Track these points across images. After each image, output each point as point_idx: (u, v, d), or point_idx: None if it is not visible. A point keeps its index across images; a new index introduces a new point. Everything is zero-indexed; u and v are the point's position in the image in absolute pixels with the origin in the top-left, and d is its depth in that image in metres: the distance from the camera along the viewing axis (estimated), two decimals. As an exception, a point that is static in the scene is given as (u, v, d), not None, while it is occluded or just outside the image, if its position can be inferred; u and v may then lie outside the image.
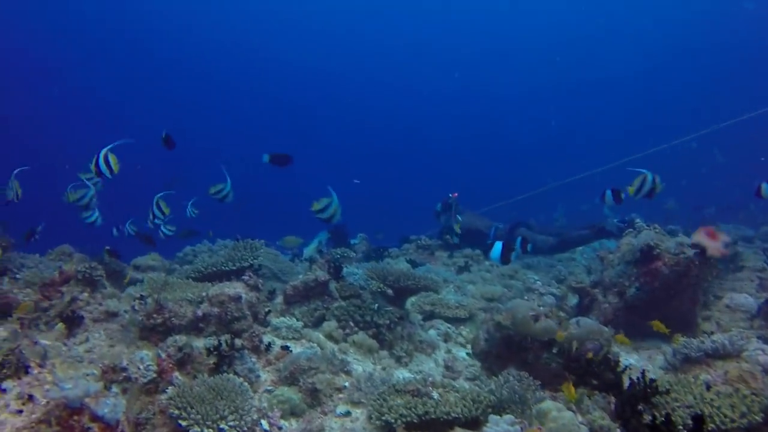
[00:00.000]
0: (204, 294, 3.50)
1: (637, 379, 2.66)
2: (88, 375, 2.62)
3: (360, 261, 6.54)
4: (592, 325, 3.39)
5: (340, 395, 2.97)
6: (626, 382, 2.74)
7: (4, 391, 2.35)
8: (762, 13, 22.38)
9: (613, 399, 2.78)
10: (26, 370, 2.52)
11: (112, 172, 3.47)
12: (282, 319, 3.74)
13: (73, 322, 3.28)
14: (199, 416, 2.30)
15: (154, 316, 3.17)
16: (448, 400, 2.66)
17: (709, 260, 4.01)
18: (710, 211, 9.44)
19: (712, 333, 3.68)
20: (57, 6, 22.64)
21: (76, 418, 2.15)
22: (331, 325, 3.76)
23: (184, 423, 2.28)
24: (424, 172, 26.69)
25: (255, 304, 3.57)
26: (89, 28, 24.18)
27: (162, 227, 4.83)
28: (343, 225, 7.25)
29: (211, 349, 2.87)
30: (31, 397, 2.33)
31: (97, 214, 4.41)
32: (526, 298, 5.07)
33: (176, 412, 2.32)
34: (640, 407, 2.53)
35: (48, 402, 2.26)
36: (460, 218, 6.91)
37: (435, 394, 2.78)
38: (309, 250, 4.50)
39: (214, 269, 3.94)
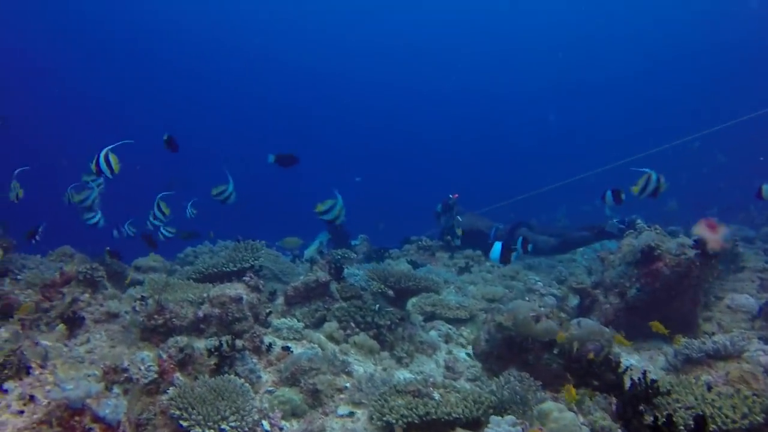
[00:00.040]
0: (205, 295, 3.50)
1: (639, 379, 2.65)
2: (89, 376, 2.62)
3: (361, 262, 6.54)
4: (593, 325, 3.38)
5: (341, 396, 2.97)
6: (627, 383, 2.74)
7: (5, 391, 2.36)
8: (764, 12, 22.38)
9: (614, 400, 2.78)
10: (27, 370, 2.52)
11: (113, 171, 3.47)
12: (283, 320, 3.74)
13: (74, 323, 3.28)
14: (201, 417, 2.30)
15: (155, 317, 3.17)
16: (449, 400, 2.66)
17: (709, 258, 4.01)
18: (712, 212, 9.44)
19: (713, 334, 3.68)
20: (57, 6, 22.66)
21: (77, 418, 2.15)
22: (332, 326, 3.76)
23: (185, 423, 2.28)
24: (425, 173, 26.72)
25: (256, 305, 3.57)
26: (89, 29, 24.21)
27: (162, 229, 4.83)
28: (344, 226, 7.24)
29: (212, 349, 2.87)
30: (32, 398, 2.33)
31: (99, 215, 4.42)
32: (527, 298, 5.06)
33: (177, 412, 2.32)
34: (641, 408, 2.53)
35: (49, 403, 2.26)
36: (460, 219, 6.91)
37: (436, 395, 2.78)
38: (310, 251, 4.50)
39: (215, 270, 3.94)
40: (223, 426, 2.29)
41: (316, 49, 28.83)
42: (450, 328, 4.35)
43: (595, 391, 2.88)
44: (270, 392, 2.85)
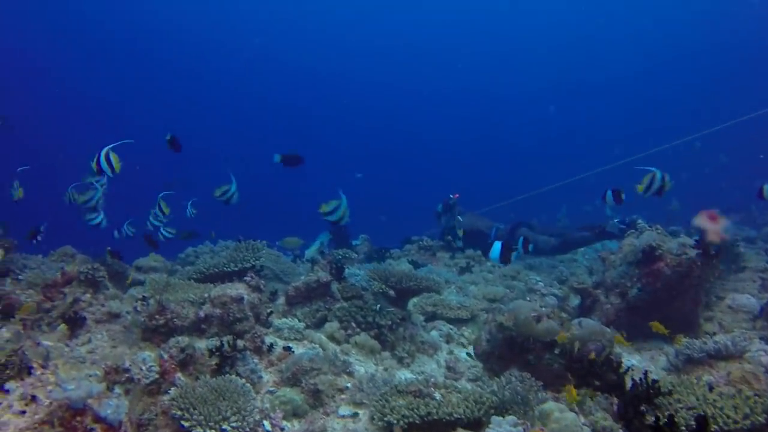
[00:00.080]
0: (206, 295, 3.50)
1: (640, 380, 2.65)
2: (90, 376, 2.62)
3: (362, 262, 6.54)
4: (594, 325, 3.38)
5: (343, 396, 2.97)
6: (629, 383, 2.74)
7: (7, 392, 2.36)
8: (764, 12, 22.36)
9: (615, 400, 2.78)
10: (29, 371, 2.53)
11: (114, 170, 3.47)
12: (284, 320, 3.74)
13: (75, 323, 3.28)
14: (202, 417, 2.30)
15: (157, 317, 3.17)
16: (451, 401, 2.66)
17: (711, 258, 4.00)
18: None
19: (714, 334, 3.68)
20: (57, 6, 22.67)
21: (78, 418, 2.15)
22: (333, 326, 3.75)
23: (186, 424, 2.28)
24: (425, 173, 26.72)
25: (257, 305, 3.57)
26: (89, 29, 24.22)
27: (161, 229, 4.83)
28: (346, 226, 7.24)
29: (214, 350, 2.87)
30: (34, 398, 2.33)
31: (102, 215, 4.42)
32: (528, 298, 5.06)
33: (179, 412, 2.32)
34: (642, 408, 2.53)
35: (51, 403, 2.26)
36: (461, 219, 6.90)
37: (437, 395, 2.78)
38: (311, 251, 4.49)
39: (216, 270, 3.94)
40: (224, 426, 2.29)
41: (316, 48, 28.85)
42: (451, 328, 4.34)
43: (596, 392, 2.88)
44: (271, 392, 2.85)
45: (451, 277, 5.78)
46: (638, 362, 3.78)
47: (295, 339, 3.58)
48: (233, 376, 2.73)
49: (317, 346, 3.50)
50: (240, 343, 2.99)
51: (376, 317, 3.77)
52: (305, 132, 27.79)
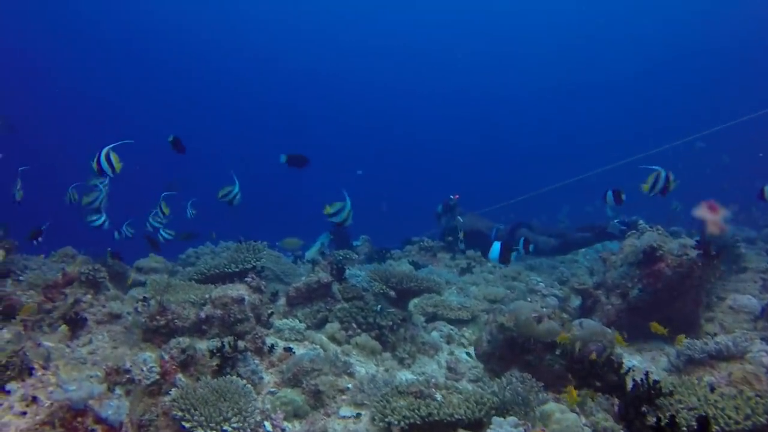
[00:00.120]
0: (207, 296, 3.50)
1: (641, 380, 2.65)
2: (91, 377, 2.62)
3: (362, 263, 6.54)
4: (595, 326, 3.38)
5: (343, 397, 2.96)
6: (630, 384, 2.73)
7: (8, 392, 2.35)
8: (764, 12, 22.35)
9: (616, 401, 2.78)
10: (30, 371, 2.52)
11: (114, 170, 3.47)
12: (285, 320, 3.74)
13: (76, 323, 3.28)
14: (203, 418, 2.30)
15: (157, 317, 3.17)
16: (451, 401, 2.66)
17: (711, 259, 4.00)
18: None
19: (715, 334, 3.68)
20: (56, 6, 22.67)
21: (79, 419, 2.15)
22: (333, 326, 3.75)
23: (187, 425, 2.28)
24: (425, 173, 26.73)
25: (258, 305, 3.57)
26: (89, 29, 24.23)
27: (161, 231, 4.83)
28: (346, 227, 7.24)
29: (214, 350, 2.87)
30: (34, 399, 2.33)
31: (104, 217, 4.42)
32: (528, 299, 5.06)
33: (179, 413, 2.32)
34: (644, 409, 2.53)
35: (52, 404, 2.26)
36: (461, 219, 6.90)
37: (438, 396, 2.77)
38: (311, 252, 4.50)
39: (217, 271, 3.94)
40: (225, 427, 2.29)
41: (316, 49, 28.86)
42: (452, 329, 4.34)
43: (597, 392, 2.87)
44: (272, 393, 2.85)
45: (452, 278, 5.78)
46: (639, 363, 3.77)
47: (296, 340, 3.58)
48: (234, 377, 2.73)
49: (318, 346, 3.49)
50: (241, 344, 2.98)
51: (376, 318, 3.77)
52: (305, 132, 27.82)
